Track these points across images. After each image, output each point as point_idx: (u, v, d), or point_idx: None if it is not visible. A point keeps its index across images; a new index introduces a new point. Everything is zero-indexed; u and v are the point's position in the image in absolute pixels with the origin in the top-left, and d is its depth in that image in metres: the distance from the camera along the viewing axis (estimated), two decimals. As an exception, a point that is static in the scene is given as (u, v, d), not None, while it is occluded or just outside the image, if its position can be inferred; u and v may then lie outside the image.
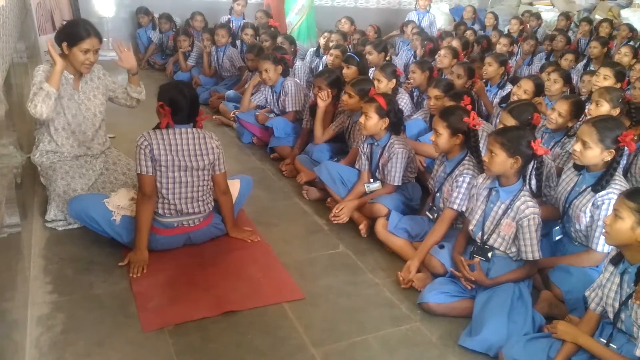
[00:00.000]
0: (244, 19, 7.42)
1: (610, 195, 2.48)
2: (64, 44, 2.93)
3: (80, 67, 2.98)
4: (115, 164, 3.32)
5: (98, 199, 2.87)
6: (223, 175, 2.94)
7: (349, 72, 4.44)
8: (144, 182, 2.70)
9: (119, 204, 2.85)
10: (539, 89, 3.93)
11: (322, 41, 6.22)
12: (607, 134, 2.49)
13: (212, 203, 2.97)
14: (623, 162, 2.96)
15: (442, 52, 5.21)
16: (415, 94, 4.54)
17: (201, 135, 2.81)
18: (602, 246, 2.52)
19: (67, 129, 3.08)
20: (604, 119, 2.61)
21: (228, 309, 2.50)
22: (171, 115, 2.71)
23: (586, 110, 3.38)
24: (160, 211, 2.79)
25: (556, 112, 3.33)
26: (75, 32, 2.92)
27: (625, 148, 2.56)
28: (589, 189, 2.59)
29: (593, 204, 2.55)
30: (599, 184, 2.54)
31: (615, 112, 3.23)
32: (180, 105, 2.72)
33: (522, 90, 3.89)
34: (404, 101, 4.20)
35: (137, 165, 2.69)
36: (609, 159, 2.52)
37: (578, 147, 2.56)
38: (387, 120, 3.24)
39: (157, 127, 2.75)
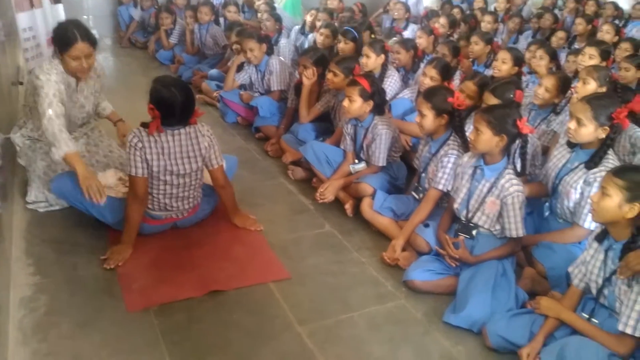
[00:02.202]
0: (224, -6, 7.30)
1: (603, 172, 2.48)
2: (57, 50, 2.79)
3: (75, 73, 2.84)
4: (97, 145, 3.24)
5: None
6: (220, 168, 2.82)
7: (347, 47, 4.38)
8: (137, 183, 2.60)
9: (105, 183, 2.80)
10: (518, 60, 3.94)
11: (308, 19, 6.15)
12: (601, 111, 2.49)
13: (201, 194, 2.93)
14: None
15: (417, 33, 5.17)
16: (400, 73, 4.51)
17: (193, 134, 2.67)
18: (589, 223, 2.53)
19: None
20: (598, 97, 2.61)
21: (214, 288, 2.49)
22: (162, 119, 2.56)
23: (572, 88, 3.38)
24: (149, 206, 2.74)
25: (543, 87, 3.34)
26: (62, 36, 2.74)
27: (620, 125, 2.54)
28: (582, 165, 2.59)
29: (585, 181, 2.55)
30: (592, 161, 2.54)
31: (602, 90, 3.24)
32: (171, 109, 2.56)
33: (501, 61, 3.89)
34: (394, 78, 4.16)
35: (130, 166, 2.58)
36: (603, 136, 2.52)
37: (572, 124, 2.55)
38: (371, 103, 3.21)
39: (147, 125, 2.60)
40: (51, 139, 2.69)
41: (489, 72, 4.55)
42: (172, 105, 2.56)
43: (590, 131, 2.52)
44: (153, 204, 2.74)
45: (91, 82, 3.08)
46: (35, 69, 2.83)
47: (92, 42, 2.81)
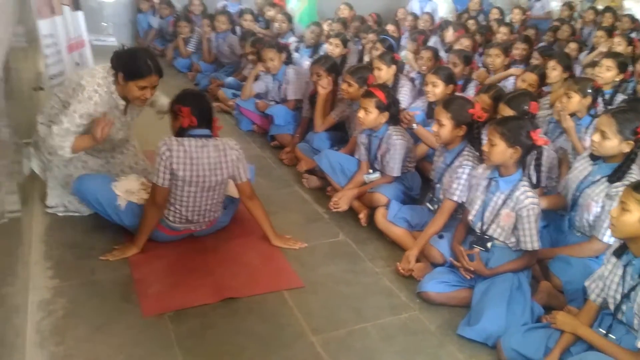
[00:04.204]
0: (240, 4, 7.39)
1: None
2: (120, 75, 2.74)
3: (134, 100, 2.83)
4: (123, 153, 3.21)
5: (105, 182, 2.81)
6: (247, 183, 2.85)
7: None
8: (158, 192, 2.63)
9: (127, 188, 2.82)
10: (542, 79, 3.90)
11: (325, 28, 6.21)
12: (626, 125, 2.47)
13: (222, 207, 2.96)
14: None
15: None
16: (417, 81, 4.52)
17: (221, 147, 2.70)
18: (609, 237, 2.49)
19: (96, 148, 2.97)
20: (624, 110, 2.58)
21: (228, 295, 2.51)
22: (191, 114, 2.62)
23: (558, 104, 3.34)
24: (170, 218, 2.76)
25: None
26: (135, 67, 2.72)
27: None
28: (604, 179, 2.57)
29: (607, 195, 2.53)
30: (615, 175, 2.51)
31: (587, 100, 3.22)
32: (198, 101, 2.70)
33: (528, 84, 3.85)
34: (407, 88, 4.18)
35: (155, 174, 2.61)
36: (628, 150, 2.49)
37: (597, 137, 2.53)
38: (387, 115, 3.21)
39: (178, 133, 2.66)
40: (50, 146, 2.73)
41: (504, 83, 4.55)
42: (198, 98, 2.71)
43: (614, 144, 2.50)
44: (175, 216, 2.76)
45: (137, 109, 3.05)
46: (85, 75, 2.78)
47: (161, 74, 2.82)
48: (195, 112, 2.65)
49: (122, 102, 2.86)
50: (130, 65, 2.73)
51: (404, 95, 4.13)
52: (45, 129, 2.92)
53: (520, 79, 3.94)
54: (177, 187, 2.67)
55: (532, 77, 3.85)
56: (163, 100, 3.24)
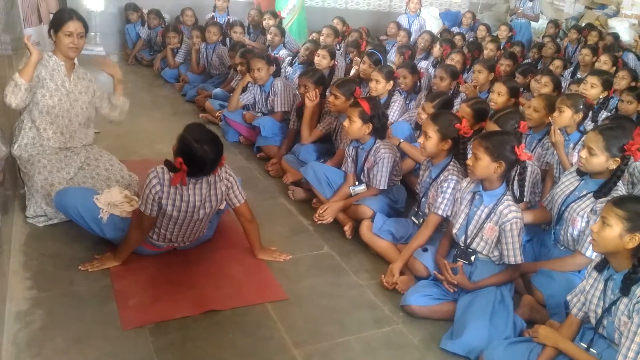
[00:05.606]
0: (228, 14, 7.41)
1: None
2: (52, 32, 2.99)
3: (66, 51, 3.00)
4: (97, 159, 3.24)
5: (87, 195, 2.79)
6: (244, 205, 2.79)
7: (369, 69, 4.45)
8: (144, 219, 2.60)
9: (110, 200, 2.80)
10: (514, 92, 3.91)
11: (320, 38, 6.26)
12: (613, 142, 2.50)
13: (207, 225, 2.93)
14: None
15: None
16: (402, 95, 4.54)
17: (212, 181, 2.64)
18: (591, 252, 2.51)
19: (51, 112, 3.03)
20: (611, 127, 2.62)
21: (210, 308, 2.48)
22: (188, 173, 2.50)
23: (550, 118, 3.39)
24: (154, 237, 2.73)
25: (531, 108, 3.40)
26: (59, 16, 3.00)
27: (631, 157, 2.53)
28: (590, 194, 2.60)
29: (592, 210, 2.56)
30: (601, 191, 2.55)
31: (578, 116, 3.27)
32: (201, 167, 2.52)
33: (497, 93, 3.85)
34: (399, 103, 4.20)
35: (142, 203, 2.57)
36: (614, 167, 2.53)
37: (584, 153, 2.57)
38: (370, 126, 3.23)
39: (171, 168, 2.51)
40: (8, 100, 2.82)
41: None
42: (203, 163, 2.52)
43: (601, 161, 2.53)
44: (159, 236, 2.73)
45: (84, 82, 3.17)
46: None
47: (85, 25, 3.06)
48: (193, 174, 2.53)
49: (62, 63, 3.05)
50: (56, 17, 3.03)
51: (395, 110, 4.15)
52: (18, 152, 3.06)
53: (497, 92, 3.93)
54: (164, 217, 2.63)
55: (501, 87, 3.86)
56: (112, 109, 3.35)
